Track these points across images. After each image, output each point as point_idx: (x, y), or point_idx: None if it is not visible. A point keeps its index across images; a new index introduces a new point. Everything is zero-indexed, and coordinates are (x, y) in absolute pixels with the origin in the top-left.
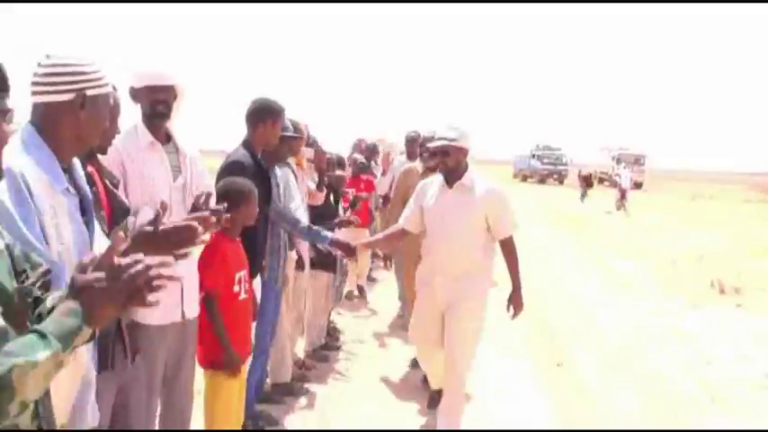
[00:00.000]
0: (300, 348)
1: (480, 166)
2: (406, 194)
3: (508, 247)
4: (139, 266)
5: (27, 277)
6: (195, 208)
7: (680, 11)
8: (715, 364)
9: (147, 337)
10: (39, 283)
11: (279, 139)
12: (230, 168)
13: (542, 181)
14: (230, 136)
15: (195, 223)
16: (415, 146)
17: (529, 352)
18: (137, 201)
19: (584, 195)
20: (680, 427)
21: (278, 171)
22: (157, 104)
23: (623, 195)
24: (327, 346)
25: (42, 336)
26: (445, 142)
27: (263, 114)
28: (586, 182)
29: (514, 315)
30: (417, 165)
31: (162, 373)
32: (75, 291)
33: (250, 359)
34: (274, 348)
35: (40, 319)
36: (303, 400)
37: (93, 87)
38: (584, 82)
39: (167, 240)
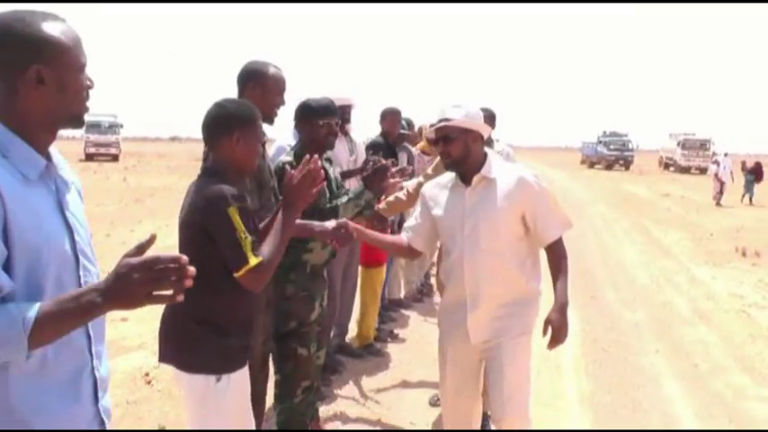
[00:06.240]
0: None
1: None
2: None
3: (556, 253)
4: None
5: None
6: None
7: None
8: (714, 299)
9: None
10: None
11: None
12: (373, 148)
13: (609, 167)
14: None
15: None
16: None
17: (570, 288)
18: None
19: (751, 194)
20: (668, 332)
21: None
22: (343, 115)
23: (722, 188)
24: (424, 284)
25: (346, 199)
26: (445, 123)
27: (386, 113)
28: (756, 174)
29: (551, 344)
30: None
31: (344, 265)
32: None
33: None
34: (389, 274)
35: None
36: (414, 313)
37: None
38: (654, 68)
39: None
